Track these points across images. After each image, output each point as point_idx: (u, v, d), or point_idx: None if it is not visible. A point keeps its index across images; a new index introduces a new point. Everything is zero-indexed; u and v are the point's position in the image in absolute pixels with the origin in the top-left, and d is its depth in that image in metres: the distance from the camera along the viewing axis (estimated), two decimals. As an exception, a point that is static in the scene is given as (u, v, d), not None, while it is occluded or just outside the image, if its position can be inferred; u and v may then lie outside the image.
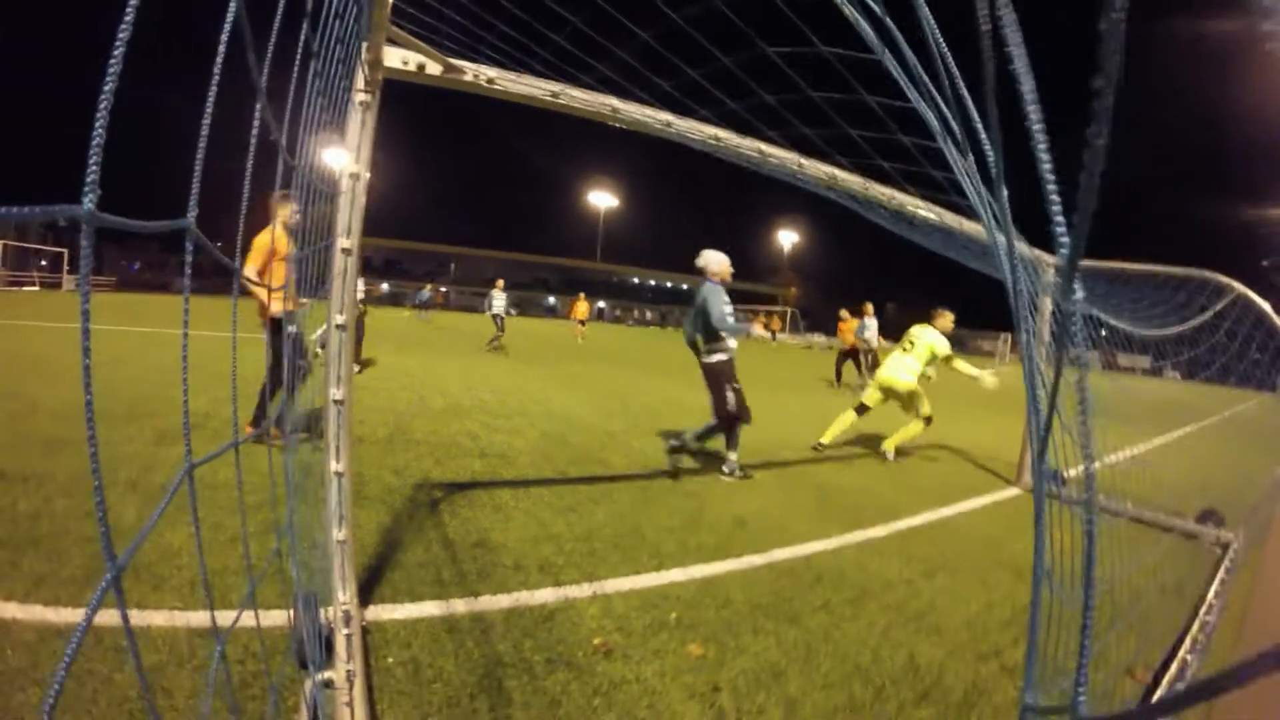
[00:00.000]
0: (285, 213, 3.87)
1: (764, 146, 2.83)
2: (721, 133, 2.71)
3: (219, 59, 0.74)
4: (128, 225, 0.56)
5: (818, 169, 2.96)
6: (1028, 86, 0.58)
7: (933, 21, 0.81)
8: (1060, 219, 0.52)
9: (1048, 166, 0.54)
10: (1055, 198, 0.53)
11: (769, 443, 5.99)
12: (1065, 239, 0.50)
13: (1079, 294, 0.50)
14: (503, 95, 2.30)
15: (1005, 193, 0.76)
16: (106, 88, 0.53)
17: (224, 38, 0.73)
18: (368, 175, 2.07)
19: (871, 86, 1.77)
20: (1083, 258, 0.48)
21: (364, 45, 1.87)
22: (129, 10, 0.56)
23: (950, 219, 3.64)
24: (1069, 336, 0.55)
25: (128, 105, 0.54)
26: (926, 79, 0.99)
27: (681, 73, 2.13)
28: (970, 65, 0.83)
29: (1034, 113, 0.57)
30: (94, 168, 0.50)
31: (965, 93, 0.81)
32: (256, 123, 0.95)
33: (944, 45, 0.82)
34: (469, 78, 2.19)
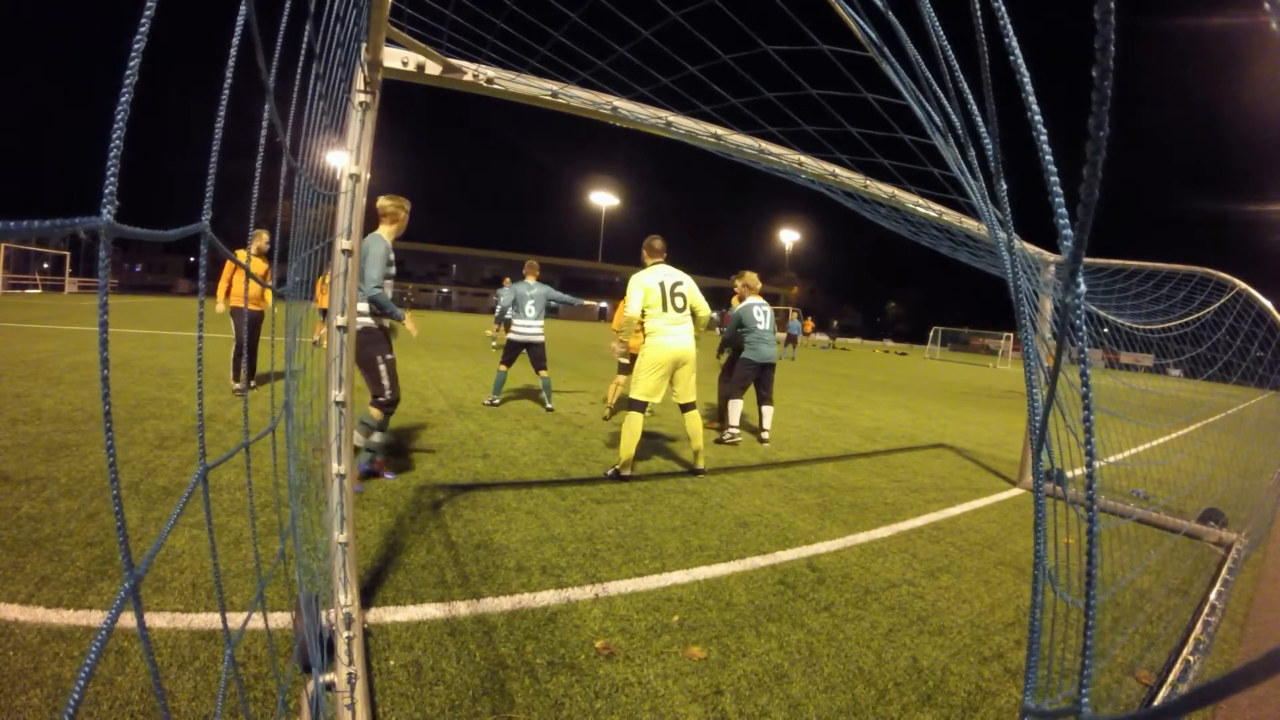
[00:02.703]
0: (258, 243, 4.76)
1: (764, 144, 2.83)
2: (722, 131, 2.71)
3: (230, 63, 0.74)
4: (146, 235, 0.55)
5: (818, 166, 2.95)
6: (1027, 79, 0.58)
7: (933, 15, 0.80)
8: (1063, 211, 0.52)
9: (1049, 158, 0.54)
10: (1058, 190, 0.53)
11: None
12: (1068, 232, 0.49)
13: (1082, 288, 0.49)
14: (502, 95, 2.29)
15: (1005, 186, 0.76)
16: (123, 99, 0.52)
17: (235, 41, 0.73)
18: (368, 176, 2.07)
19: (872, 83, 1.76)
20: (1085, 252, 0.47)
21: (363, 46, 1.87)
22: (143, 22, 0.55)
23: (950, 216, 3.63)
24: (1073, 331, 0.54)
25: (126, 105, 0.54)
26: (928, 74, 0.99)
27: (681, 69, 2.12)
28: (969, 60, 0.83)
29: (1033, 104, 0.57)
30: (111, 179, 0.50)
31: (965, 87, 0.80)
32: (265, 125, 0.94)
33: (944, 39, 0.82)
34: (468, 78, 2.19)
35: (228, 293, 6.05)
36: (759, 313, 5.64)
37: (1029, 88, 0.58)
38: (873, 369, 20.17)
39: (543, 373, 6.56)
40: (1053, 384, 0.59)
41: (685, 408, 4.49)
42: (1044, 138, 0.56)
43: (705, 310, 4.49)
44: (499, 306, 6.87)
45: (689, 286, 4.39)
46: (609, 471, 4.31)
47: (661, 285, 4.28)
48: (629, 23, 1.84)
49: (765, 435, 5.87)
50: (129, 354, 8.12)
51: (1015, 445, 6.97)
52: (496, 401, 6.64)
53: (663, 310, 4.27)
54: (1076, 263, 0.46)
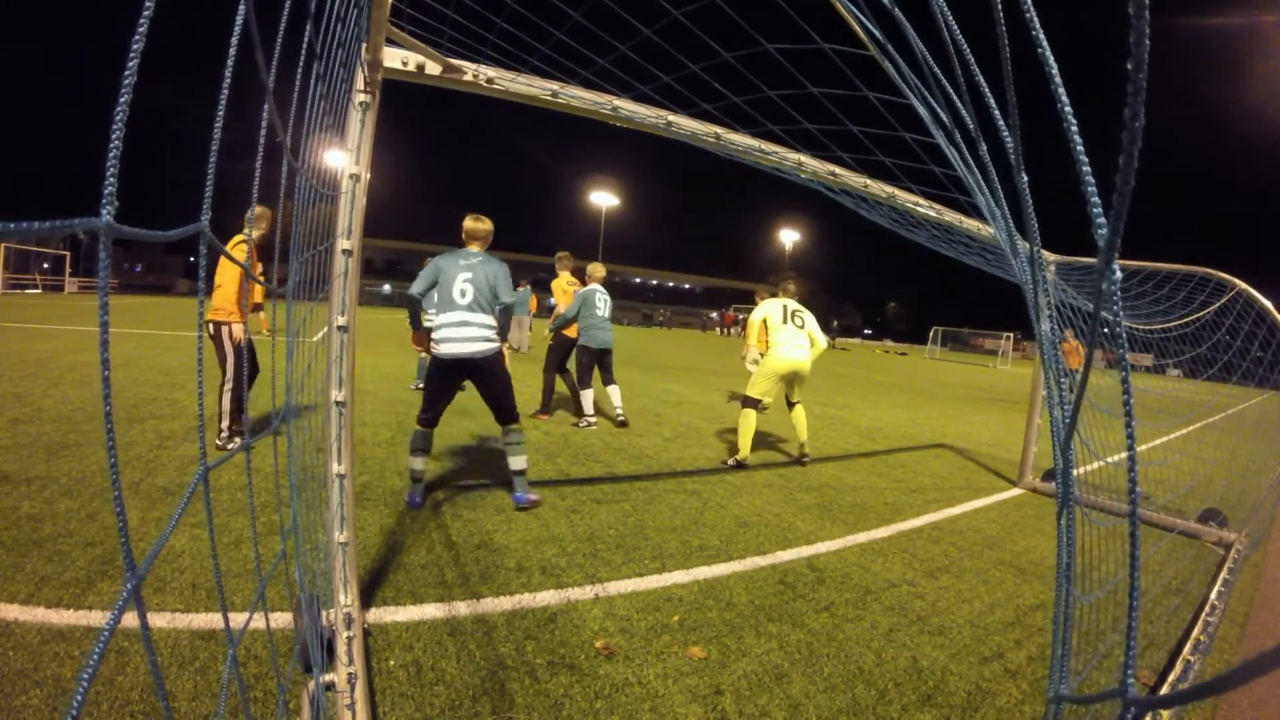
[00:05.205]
0: (258, 228, 4.13)
1: (765, 144, 2.83)
2: (723, 130, 2.71)
3: (229, 63, 0.74)
4: (146, 236, 0.55)
5: (819, 166, 2.95)
6: (1054, 68, 0.58)
7: (944, 6, 0.80)
8: (1096, 201, 0.52)
9: (1080, 146, 0.54)
10: (1090, 179, 0.53)
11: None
12: (1101, 220, 0.49)
13: (1118, 275, 0.49)
14: (502, 95, 2.29)
15: (1025, 178, 0.76)
16: (122, 99, 0.52)
17: (234, 40, 0.72)
18: (368, 176, 2.07)
19: (873, 82, 1.76)
20: (1120, 240, 0.47)
21: (363, 46, 1.87)
22: (142, 21, 0.55)
23: (950, 216, 3.63)
24: (1113, 320, 0.54)
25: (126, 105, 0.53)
26: (935, 69, 0.98)
27: (682, 68, 2.12)
28: (976, 53, 0.82)
29: (1062, 94, 0.56)
30: (111, 179, 0.50)
31: (981, 79, 0.80)
32: (264, 125, 0.94)
33: (955, 29, 0.81)
34: (468, 77, 2.19)
35: (244, 305, 4.20)
36: (599, 300, 6.09)
37: (1057, 78, 0.58)
38: (873, 369, 20.16)
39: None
40: (1084, 378, 0.59)
41: (792, 404, 5.26)
42: (1074, 128, 0.56)
43: (822, 343, 5.11)
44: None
45: (809, 318, 5.15)
46: (730, 461, 4.85)
47: (784, 307, 5.07)
48: (630, 21, 1.84)
49: (620, 415, 6.12)
50: (129, 354, 8.12)
51: (1015, 445, 6.97)
52: (421, 385, 7.44)
53: (783, 323, 4.99)
54: (1112, 250, 0.46)
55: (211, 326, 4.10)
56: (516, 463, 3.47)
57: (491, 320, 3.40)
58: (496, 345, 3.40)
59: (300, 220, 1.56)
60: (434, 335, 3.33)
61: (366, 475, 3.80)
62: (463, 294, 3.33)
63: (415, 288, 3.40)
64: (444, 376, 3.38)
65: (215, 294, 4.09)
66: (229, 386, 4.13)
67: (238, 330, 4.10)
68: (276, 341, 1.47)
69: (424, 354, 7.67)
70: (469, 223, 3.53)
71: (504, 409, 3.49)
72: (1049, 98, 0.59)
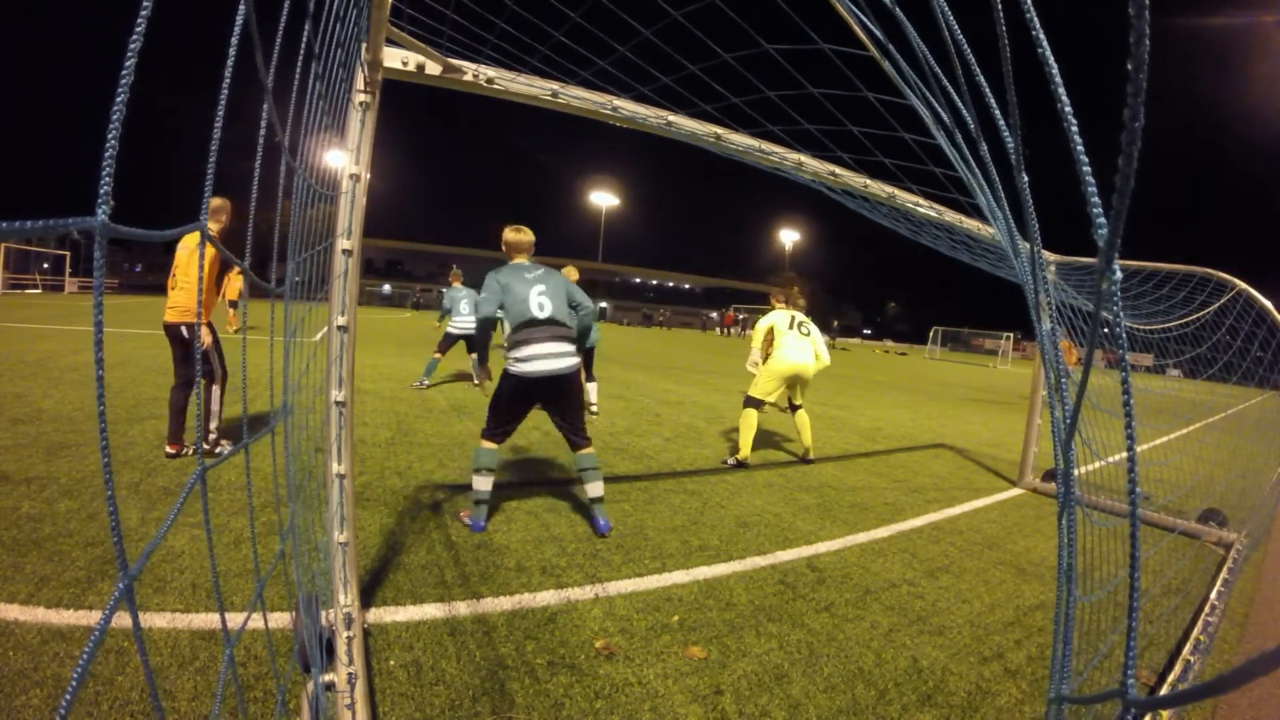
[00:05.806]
0: (219, 221, 3.92)
1: (765, 144, 2.83)
2: (723, 130, 2.71)
3: (229, 63, 0.73)
4: (142, 236, 0.55)
5: (819, 166, 2.95)
6: (1054, 68, 0.58)
7: (945, 8, 0.80)
8: (1096, 200, 0.52)
9: (1080, 146, 0.54)
10: (1090, 178, 0.53)
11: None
12: (1102, 220, 0.50)
13: (1118, 275, 0.49)
14: (502, 95, 2.29)
15: (1026, 179, 0.75)
16: (119, 98, 0.52)
17: (234, 40, 0.72)
18: (368, 176, 2.07)
19: (873, 82, 1.76)
20: (1120, 239, 0.47)
21: (363, 46, 1.87)
22: (140, 21, 0.55)
23: (951, 216, 3.63)
24: (1114, 318, 0.55)
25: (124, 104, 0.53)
26: (936, 68, 0.98)
27: (681, 68, 2.12)
28: (984, 57, 0.82)
29: (1062, 94, 0.57)
30: (107, 178, 0.50)
31: (981, 79, 0.80)
32: (264, 125, 0.94)
33: (957, 30, 0.81)
34: (468, 78, 2.19)
35: (231, 302, 4.01)
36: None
37: (1058, 79, 0.58)
38: (873, 369, 20.16)
39: (472, 356, 8.09)
40: (1084, 378, 0.59)
41: (794, 407, 5.43)
42: (1075, 128, 0.56)
43: (826, 358, 5.30)
44: (442, 309, 8.42)
45: (815, 330, 5.36)
46: (730, 461, 4.94)
47: (792, 317, 5.31)
48: (630, 22, 1.84)
49: (594, 408, 6.64)
50: (129, 353, 8.12)
51: (1015, 445, 6.97)
52: (426, 384, 7.59)
53: (787, 329, 5.23)
54: (1112, 250, 0.47)
55: (184, 329, 3.91)
56: (595, 489, 3.27)
57: (573, 332, 3.30)
58: (579, 360, 3.28)
59: (300, 220, 1.56)
60: (514, 354, 3.14)
61: (366, 475, 3.80)
62: (541, 308, 3.16)
63: (485, 309, 3.15)
64: (523, 396, 3.21)
65: (180, 294, 3.89)
66: (218, 388, 4.07)
67: (204, 333, 3.87)
68: (275, 341, 1.47)
69: (438, 355, 7.68)
70: (511, 235, 3.36)
71: (578, 433, 3.31)
72: (1049, 98, 0.59)
